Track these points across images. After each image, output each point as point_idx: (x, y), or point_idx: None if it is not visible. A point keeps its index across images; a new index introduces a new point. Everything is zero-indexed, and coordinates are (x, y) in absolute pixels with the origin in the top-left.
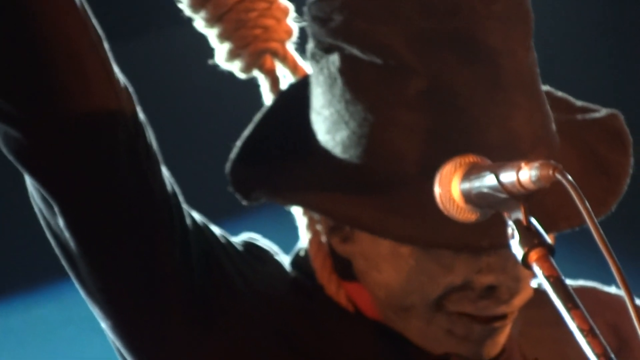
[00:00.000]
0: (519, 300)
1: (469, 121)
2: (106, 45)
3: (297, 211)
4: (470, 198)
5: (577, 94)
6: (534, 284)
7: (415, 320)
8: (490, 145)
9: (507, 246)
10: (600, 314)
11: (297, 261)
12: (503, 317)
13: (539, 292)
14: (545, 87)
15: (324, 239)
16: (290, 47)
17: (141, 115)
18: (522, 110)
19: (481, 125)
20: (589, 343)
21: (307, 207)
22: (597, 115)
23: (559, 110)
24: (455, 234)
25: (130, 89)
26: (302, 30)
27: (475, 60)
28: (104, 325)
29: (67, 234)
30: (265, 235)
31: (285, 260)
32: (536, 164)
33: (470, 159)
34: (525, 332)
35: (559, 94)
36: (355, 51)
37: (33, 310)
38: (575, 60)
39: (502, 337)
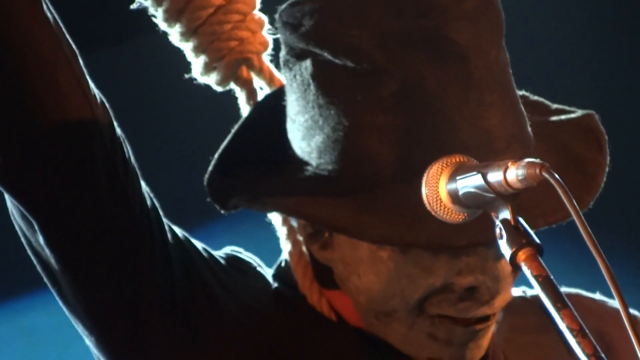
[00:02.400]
0: (500, 301)
1: (442, 121)
2: (81, 61)
3: (276, 221)
4: (458, 198)
5: (566, 94)
6: (518, 292)
7: (397, 325)
8: (464, 145)
9: (485, 244)
10: (585, 320)
11: (279, 272)
12: (485, 319)
13: (524, 299)
14: (520, 92)
15: (304, 248)
16: (266, 58)
17: (118, 130)
18: (496, 109)
19: (455, 125)
20: (579, 343)
21: (284, 212)
22: (572, 115)
23: (535, 113)
24: (432, 233)
25: (107, 104)
26: (277, 42)
27: (447, 59)
28: (87, 341)
29: (47, 251)
30: (248, 247)
31: (267, 272)
32: (523, 163)
33: (457, 159)
34: (510, 338)
35: (534, 97)
36: (327, 55)
37: (20, 317)
38: (563, 61)
39: (485, 341)
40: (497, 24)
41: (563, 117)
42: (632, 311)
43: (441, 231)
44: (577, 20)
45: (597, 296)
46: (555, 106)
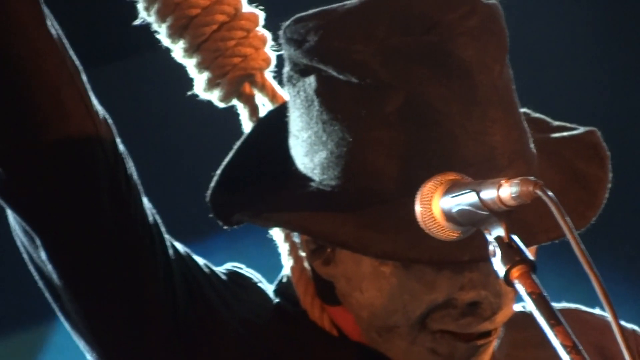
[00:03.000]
0: (502, 317)
1: (446, 137)
2: (84, 77)
3: (278, 238)
4: (452, 216)
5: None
6: (519, 307)
7: (399, 340)
8: (468, 161)
9: (488, 259)
10: (585, 335)
11: (280, 288)
12: (486, 334)
13: (525, 314)
14: (522, 109)
15: (306, 264)
16: (269, 75)
17: (121, 147)
18: (499, 125)
19: (458, 141)
20: None
21: (287, 227)
22: (574, 132)
23: (537, 130)
24: (435, 249)
25: (110, 121)
26: (280, 58)
27: (451, 75)
28: (89, 357)
29: (49, 267)
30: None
31: (269, 288)
32: (516, 181)
33: (451, 176)
34: (511, 354)
35: (536, 114)
36: (331, 71)
37: None
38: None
39: (486, 357)
40: (501, 41)
41: (565, 133)
42: (629, 325)
43: (444, 247)
44: (578, 37)
45: (597, 311)
46: (556, 123)
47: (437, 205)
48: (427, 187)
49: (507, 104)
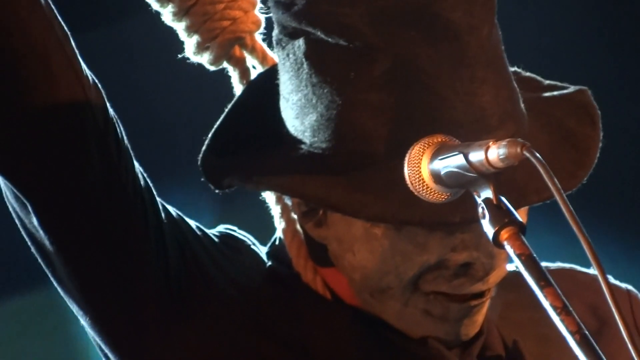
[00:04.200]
0: (494, 277)
1: (435, 98)
2: (72, 42)
3: (270, 200)
4: (440, 178)
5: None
6: (512, 267)
7: (392, 302)
8: (457, 122)
9: (479, 220)
10: (579, 295)
11: (273, 251)
12: (480, 295)
13: (518, 275)
14: (512, 68)
15: (298, 226)
16: (258, 37)
17: (111, 111)
18: (489, 86)
19: (448, 102)
20: (562, 321)
21: (278, 190)
22: (564, 91)
23: (527, 89)
24: (426, 210)
25: (99, 86)
26: (269, 21)
27: (440, 37)
28: (83, 321)
29: (41, 232)
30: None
31: (262, 250)
32: (504, 142)
33: (439, 139)
34: (504, 315)
35: (527, 73)
36: (320, 34)
37: None
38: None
39: (480, 317)
40: (489, 2)
41: (556, 93)
42: (623, 285)
43: (435, 208)
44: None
45: (592, 271)
46: (547, 82)
47: (426, 167)
48: (415, 150)
49: (496, 65)
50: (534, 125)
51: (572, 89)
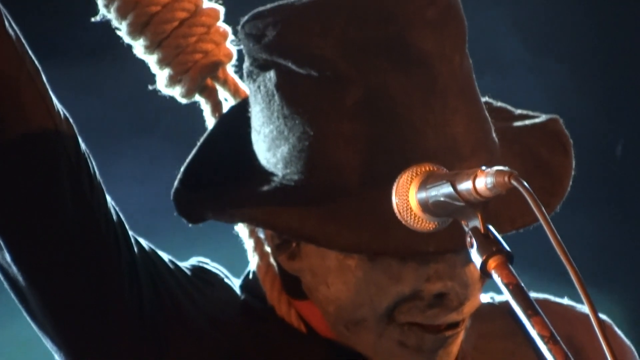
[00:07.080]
0: (469, 307)
1: (407, 128)
2: (44, 77)
3: (243, 233)
4: (428, 207)
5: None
6: (486, 298)
7: (366, 334)
8: (430, 151)
9: (454, 250)
10: (553, 325)
11: (246, 284)
12: (454, 325)
13: (492, 306)
14: (484, 98)
15: (272, 260)
16: (230, 70)
17: (83, 146)
18: (461, 116)
19: (420, 132)
20: (550, 350)
21: (252, 223)
22: (536, 120)
23: (499, 119)
24: (399, 240)
25: (71, 120)
26: (241, 53)
27: (411, 66)
28: (57, 356)
29: (14, 268)
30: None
31: (235, 283)
32: (492, 171)
33: (427, 167)
34: (478, 346)
35: (498, 103)
36: (291, 65)
37: None
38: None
39: (455, 348)
40: (460, 31)
41: (527, 122)
42: (601, 316)
43: (409, 238)
44: (539, 27)
45: (565, 301)
46: (518, 111)
47: (414, 196)
48: (403, 179)
49: (468, 94)
50: (507, 154)
51: (543, 117)
